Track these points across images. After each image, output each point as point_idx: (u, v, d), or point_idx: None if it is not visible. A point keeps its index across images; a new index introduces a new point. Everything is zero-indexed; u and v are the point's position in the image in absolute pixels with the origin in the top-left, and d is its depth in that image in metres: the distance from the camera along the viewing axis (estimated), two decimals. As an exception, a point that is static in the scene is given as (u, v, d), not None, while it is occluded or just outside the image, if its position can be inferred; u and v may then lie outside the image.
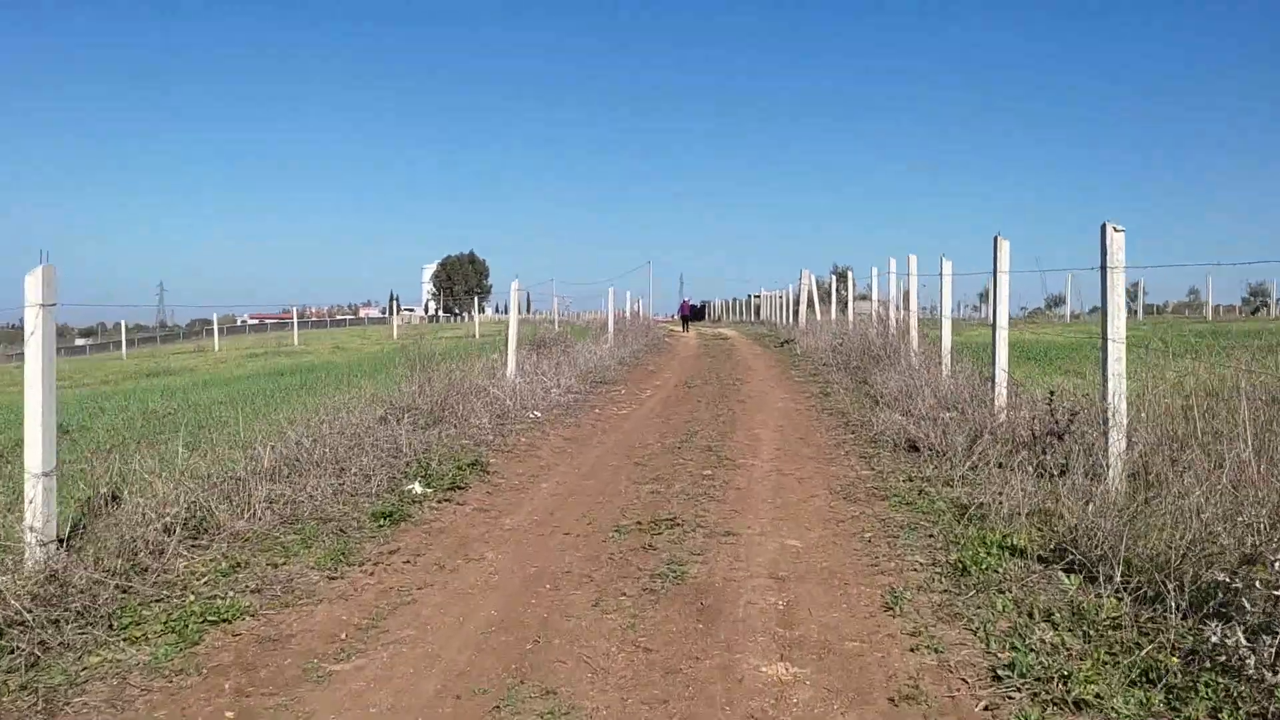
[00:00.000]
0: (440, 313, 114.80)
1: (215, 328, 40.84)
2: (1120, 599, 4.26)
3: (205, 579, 5.06)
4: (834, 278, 29.87)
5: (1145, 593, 4.24)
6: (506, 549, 5.72)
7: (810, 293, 30.58)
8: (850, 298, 23.96)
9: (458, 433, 9.49)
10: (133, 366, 27.87)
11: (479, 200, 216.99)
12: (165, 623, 4.43)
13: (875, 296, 20.05)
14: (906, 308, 16.63)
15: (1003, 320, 9.05)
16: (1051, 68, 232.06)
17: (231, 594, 4.82)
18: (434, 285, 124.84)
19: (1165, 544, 4.51)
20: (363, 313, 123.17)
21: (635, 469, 8.03)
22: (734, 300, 69.02)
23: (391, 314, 58.02)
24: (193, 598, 4.74)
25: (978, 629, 4.16)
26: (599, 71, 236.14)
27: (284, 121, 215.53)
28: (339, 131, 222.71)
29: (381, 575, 5.21)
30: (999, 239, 8.97)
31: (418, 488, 7.11)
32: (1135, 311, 42.87)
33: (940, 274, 12.05)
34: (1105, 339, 6.31)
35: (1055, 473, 6.22)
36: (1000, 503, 5.77)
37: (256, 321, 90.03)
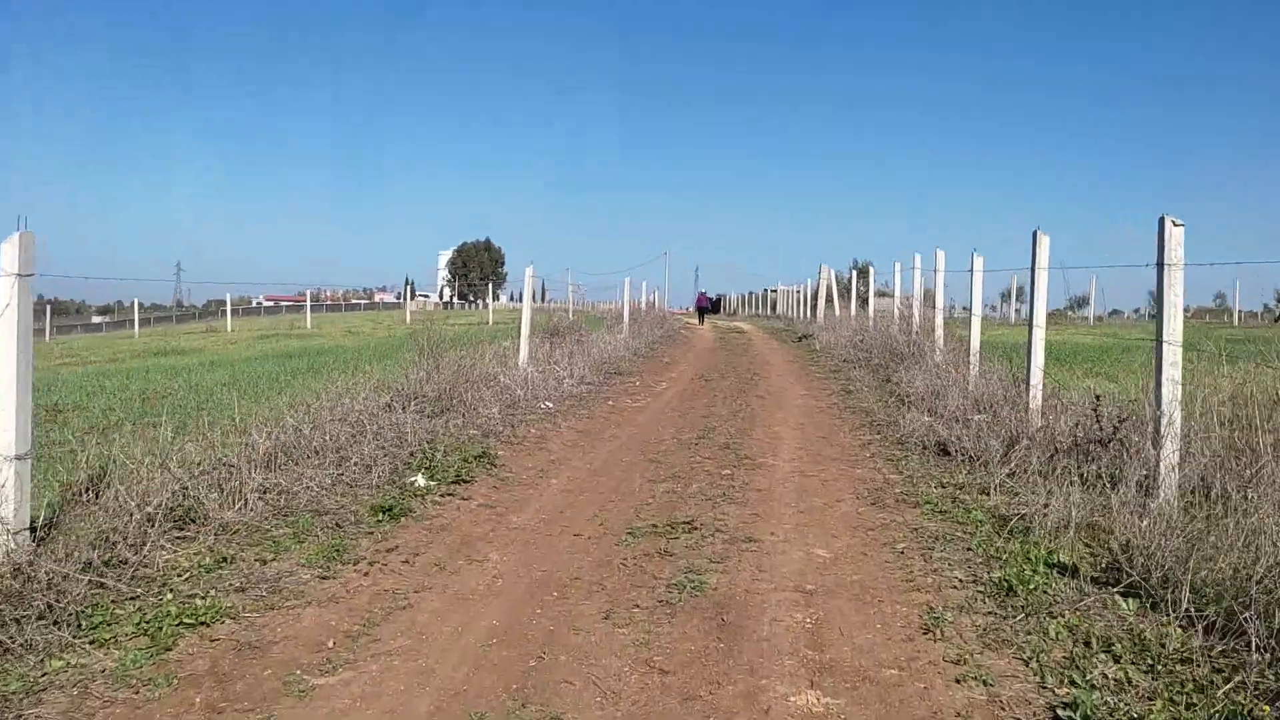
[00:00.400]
0: (455, 299, 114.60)
1: (228, 308, 40.62)
2: (1188, 629, 3.85)
3: (187, 575, 4.69)
4: (854, 273, 29.35)
5: (1215, 623, 3.82)
6: (512, 550, 5.34)
7: (829, 288, 30.08)
8: (871, 294, 23.45)
9: (465, 422, 9.11)
10: (142, 345, 27.64)
11: (496, 188, 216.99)
12: (138, 624, 4.07)
13: (898, 293, 19.60)
14: (930, 305, 16.18)
15: (1040, 319, 8.61)
16: (1072, 66, 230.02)
17: (213, 593, 4.45)
18: (449, 272, 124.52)
19: (1234, 569, 4.09)
20: (378, 297, 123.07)
21: (650, 466, 7.64)
22: (749, 294, 68.56)
23: (405, 299, 57.73)
24: (170, 596, 4.37)
25: (1030, 659, 3.75)
26: (620, 61, 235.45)
27: (304, 105, 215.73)
28: (359, 115, 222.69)
29: (376, 576, 4.83)
30: (1038, 234, 8.53)
31: (421, 480, 6.73)
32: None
33: (971, 270, 11.59)
34: (1160, 341, 5.88)
35: (1104, 483, 5.79)
36: (1045, 515, 5.35)
37: (271, 303, 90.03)
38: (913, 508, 6.18)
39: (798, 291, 40.19)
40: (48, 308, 36.86)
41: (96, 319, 73.53)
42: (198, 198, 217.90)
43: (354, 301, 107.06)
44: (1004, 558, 4.94)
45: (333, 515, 5.80)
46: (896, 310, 18.72)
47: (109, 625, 4.05)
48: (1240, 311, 39.39)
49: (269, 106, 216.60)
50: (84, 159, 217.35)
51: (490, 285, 61.85)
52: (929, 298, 16.41)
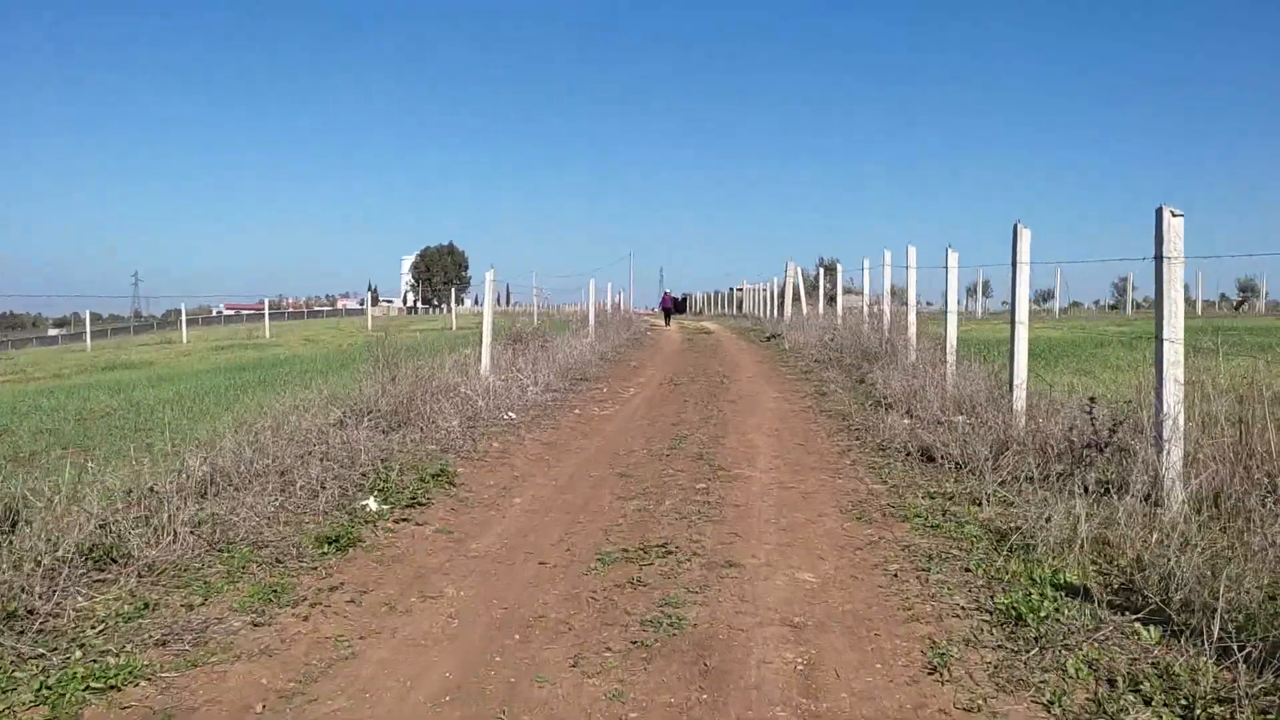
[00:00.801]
0: (419, 304, 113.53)
1: (183, 319, 39.55)
2: (1220, 662, 3.46)
3: (102, 626, 4.17)
4: (820, 270, 29.09)
5: (1251, 653, 3.43)
6: (470, 583, 4.86)
7: (796, 286, 29.81)
8: (839, 291, 23.15)
9: (423, 437, 8.61)
10: (90, 359, 26.71)
11: (460, 191, 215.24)
12: (38, 690, 3.54)
13: (867, 290, 19.32)
14: (901, 302, 15.87)
15: (1023, 315, 8.28)
16: (1038, 58, 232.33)
17: (129, 648, 3.94)
18: (413, 276, 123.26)
19: (1268, 593, 3.72)
20: (341, 304, 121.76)
21: (619, 481, 7.18)
22: (715, 293, 68.33)
23: (367, 305, 56.82)
24: (79, 654, 3.86)
25: (1051, 703, 3.34)
26: (579, 62, 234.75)
27: (263, 110, 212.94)
28: (322, 119, 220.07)
29: (318, 620, 4.34)
30: (1019, 227, 8.19)
31: (373, 504, 6.24)
32: (1122, 306, 42.42)
33: (945, 266, 11.27)
34: (1160, 339, 5.51)
35: (1104, 492, 5.42)
36: (1047, 529, 4.96)
37: (232, 312, 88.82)
38: (901, 522, 5.78)
39: (764, 290, 39.92)
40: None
41: (53, 331, 71.98)
42: (158, 207, 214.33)
43: (317, 308, 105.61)
44: (1007, 579, 4.55)
45: (273, 548, 5.28)
46: (866, 308, 18.42)
47: (4, 693, 3.53)
48: (1200, 301, 39.62)
49: (230, 112, 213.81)
50: (38, 166, 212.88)
51: (453, 289, 60.90)
52: (898, 295, 16.13)
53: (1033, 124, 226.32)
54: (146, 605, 4.41)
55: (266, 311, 43.84)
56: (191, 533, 5.33)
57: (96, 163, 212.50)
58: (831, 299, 26.22)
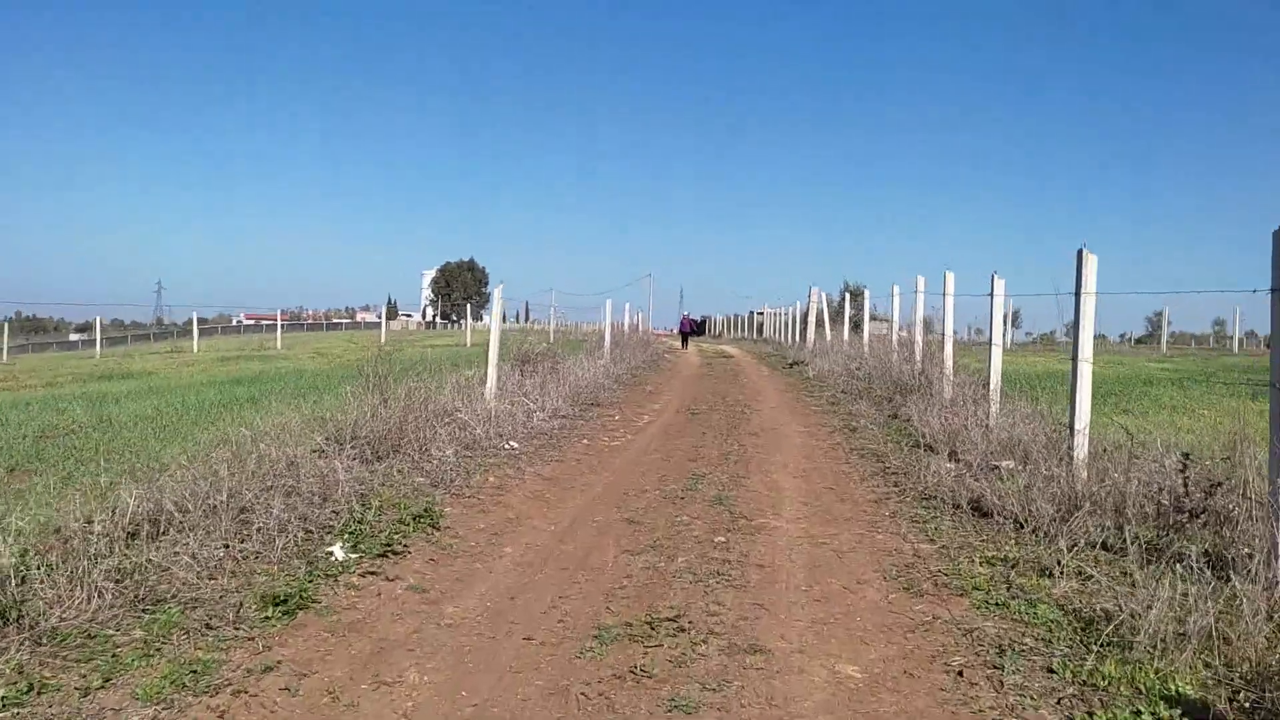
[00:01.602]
0: (438, 319, 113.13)
1: (195, 327, 38.98)
2: None
3: (-35, 717, 3.33)
4: (846, 295, 28.04)
5: None
6: (437, 664, 3.98)
7: (820, 311, 28.87)
8: (866, 318, 22.22)
9: (412, 468, 7.76)
10: (92, 367, 25.98)
11: (483, 207, 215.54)
12: None
13: (896, 317, 18.35)
14: (932, 331, 14.96)
15: (1086, 351, 7.38)
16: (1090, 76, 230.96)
17: (-12, 752, 3.09)
18: (432, 291, 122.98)
19: None
20: (360, 317, 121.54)
21: (627, 529, 6.30)
22: (735, 316, 67.39)
23: (383, 319, 56.25)
24: (-79, 761, 3.01)
25: None
26: (605, 80, 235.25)
27: (286, 119, 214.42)
28: (348, 132, 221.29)
29: (238, 716, 3.46)
30: (1084, 252, 7.30)
31: (338, 552, 5.38)
32: (1156, 341, 41.22)
33: (990, 294, 10.35)
34: (1276, 387, 4.60)
35: (1203, 568, 4.49)
36: (1145, 618, 4.04)
37: (252, 322, 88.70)
38: (958, 596, 4.86)
39: (786, 314, 38.97)
40: (4, 326, 35.23)
41: (74, 337, 71.99)
42: (187, 216, 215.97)
43: (335, 321, 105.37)
44: (1103, 686, 3.64)
45: (207, 609, 4.42)
46: (895, 336, 17.48)
47: None
48: (1241, 338, 38.30)
49: (259, 123, 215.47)
50: (68, 172, 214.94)
51: (471, 305, 60.18)
52: (927, 323, 15.24)
53: (1049, 137, 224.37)
54: (32, 687, 3.56)
55: (279, 323, 43.28)
56: (114, 586, 4.49)
57: (128, 170, 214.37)
58: (856, 326, 25.30)
